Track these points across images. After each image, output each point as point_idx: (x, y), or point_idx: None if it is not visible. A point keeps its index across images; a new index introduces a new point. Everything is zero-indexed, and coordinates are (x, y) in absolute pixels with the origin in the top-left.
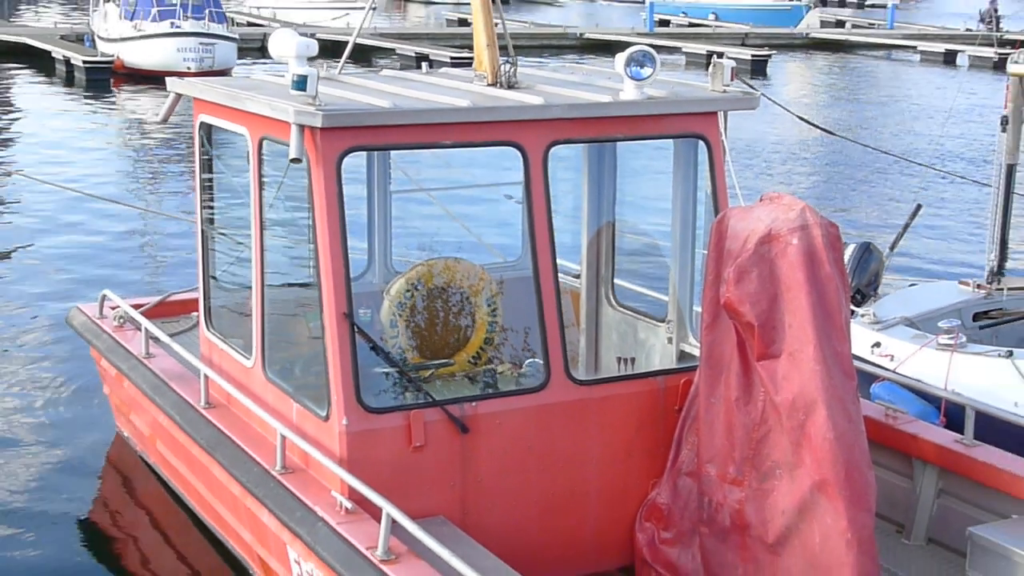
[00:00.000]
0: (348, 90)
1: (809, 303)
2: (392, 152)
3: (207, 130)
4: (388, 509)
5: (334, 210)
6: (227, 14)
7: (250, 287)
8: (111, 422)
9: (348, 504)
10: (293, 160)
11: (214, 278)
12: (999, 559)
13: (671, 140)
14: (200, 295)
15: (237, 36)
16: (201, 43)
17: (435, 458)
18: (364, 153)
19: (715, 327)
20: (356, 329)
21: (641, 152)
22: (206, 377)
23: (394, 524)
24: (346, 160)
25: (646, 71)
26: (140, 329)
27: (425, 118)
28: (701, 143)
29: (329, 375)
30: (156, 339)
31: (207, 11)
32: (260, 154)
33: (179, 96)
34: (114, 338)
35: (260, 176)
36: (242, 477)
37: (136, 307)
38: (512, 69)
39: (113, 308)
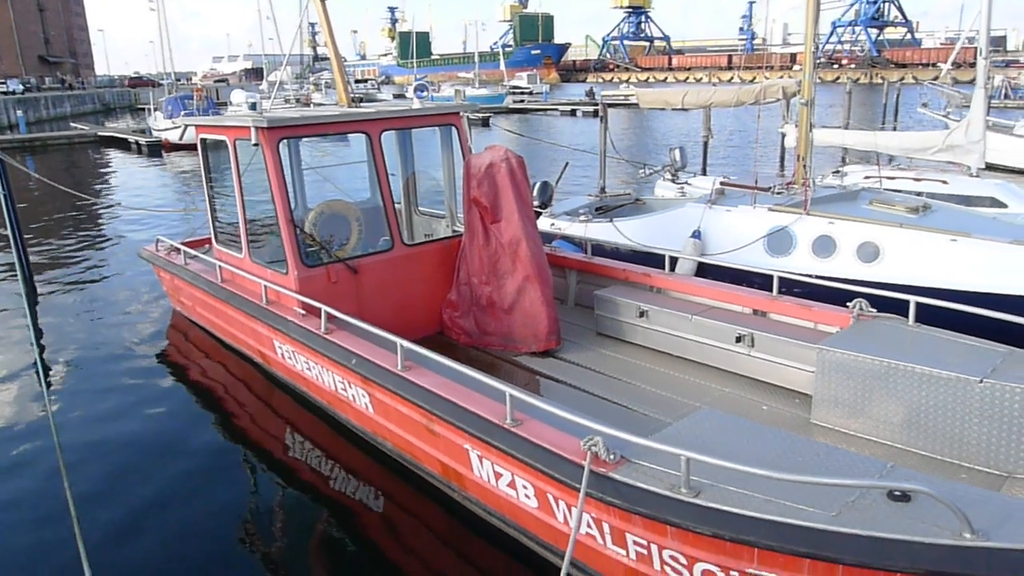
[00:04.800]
0: (279, 113)
1: (513, 195)
2: (303, 141)
3: (204, 141)
4: (324, 308)
5: (279, 171)
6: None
7: (237, 222)
8: (169, 304)
9: (302, 312)
10: (255, 145)
11: (217, 220)
12: (606, 302)
13: (438, 127)
14: (211, 230)
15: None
16: None
17: (343, 287)
18: (289, 140)
19: (470, 212)
20: (297, 229)
21: (424, 135)
22: (220, 267)
23: (329, 318)
24: (280, 145)
25: (422, 93)
26: (180, 252)
27: (317, 120)
28: (454, 128)
29: (286, 251)
30: (192, 256)
31: (210, 111)
32: (235, 148)
33: (187, 127)
34: (167, 259)
35: (237, 159)
36: (247, 309)
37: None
38: (358, 101)
39: (163, 246)
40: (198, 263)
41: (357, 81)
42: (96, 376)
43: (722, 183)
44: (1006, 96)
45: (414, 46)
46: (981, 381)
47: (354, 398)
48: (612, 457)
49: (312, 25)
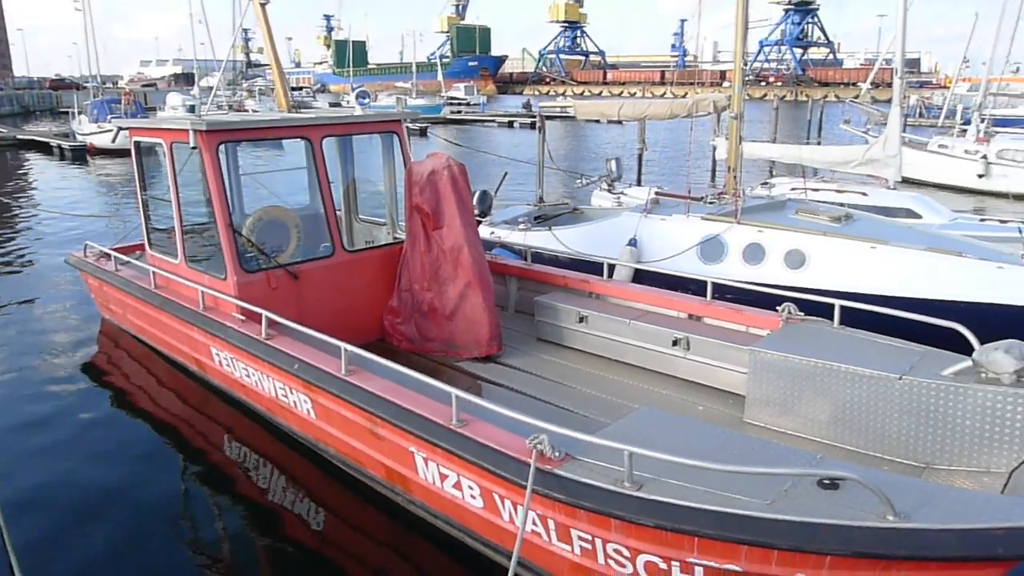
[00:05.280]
0: (219, 117)
1: (455, 202)
2: (240, 147)
3: (138, 145)
4: (265, 313)
5: (218, 175)
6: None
7: (172, 227)
8: (97, 312)
9: (241, 317)
10: (193, 148)
11: (151, 225)
12: (547, 308)
13: (379, 135)
14: (144, 235)
15: None
16: None
17: (283, 293)
18: (228, 144)
19: (411, 219)
20: (236, 233)
21: (361, 143)
22: (154, 273)
23: (270, 323)
24: (220, 149)
25: (364, 101)
26: (111, 257)
27: (258, 124)
28: (395, 135)
29: (225, 256)
30: (123, 261)
31: (138, 116)
32: (172, 152)
33: (120, 129)
34: (96, 265)
35: (173, 163)
36: (182, 315)
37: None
38: (296, 107)
39: (92, 252)
40: (130, 269)
41: (292, 88)
42: (20, 387)
43: (657, 193)
44: (920, 115)
45: (351, 55)
46: (900, 378)
47: (296, 404)
48: (557, 455)
49: (245, 31)
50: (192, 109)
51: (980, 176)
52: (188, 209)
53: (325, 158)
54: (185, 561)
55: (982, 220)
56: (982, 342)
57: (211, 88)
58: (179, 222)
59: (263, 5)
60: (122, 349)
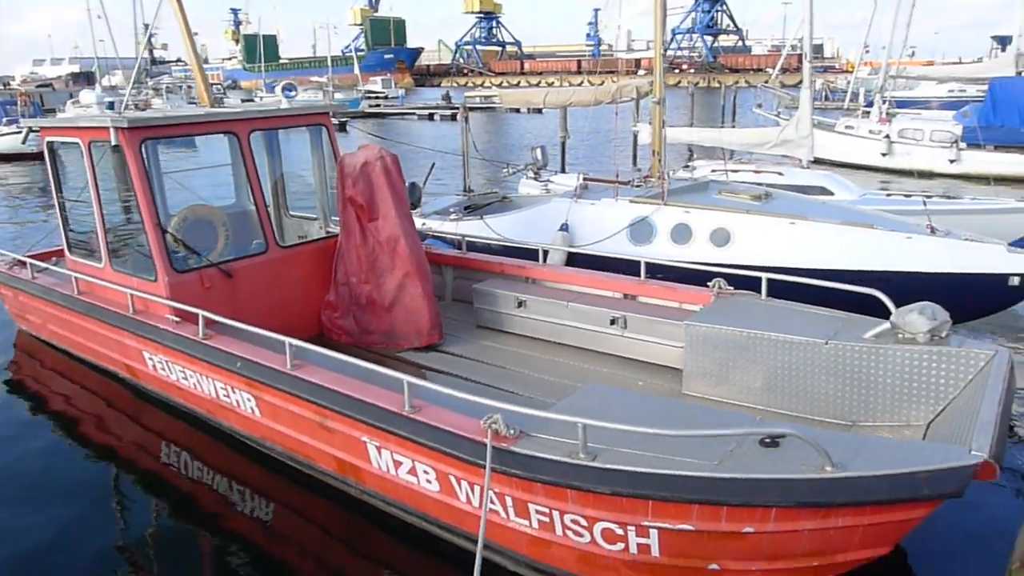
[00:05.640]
0: (140, 113)
1: (389, 192)
2: (160, 144)
3: (51, 145)
4: (201, 313)
5: (142, 173)
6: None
7: (94, 229)
8: (10, 323)
9: (176, 319)
10: (115, 147)
11: (69, 228)
12: (485, 295)
13: (307, 127)
14: (63, 239)
15: None
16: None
17: (217, 292)
18: (150, 142)
19: (345, 211)
20: (164, 232)
21: (290, 136)
22: (76, 279)
23: (207, 323)
24: (143, 146)
25: (293, 94)
26: (27, 265)
27: (181, 120)
28: (323, 128)
29: (154, 257)
30: (40, 269)
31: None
32: (90, 151)
33: (31, 129)
34: (10, 274)
35: (92, 163)
36: (110, 320)
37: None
38: (220, 100)
39: (3, 260)
40: (48, 276)
41: None
42: None
43: (585, 179)
44: (826, 98)
45: (261, 49)
46: (826, 343)
47: (238, 403)
48: (512, 432)
49: (147, 26)
50: (111, 106)
51: (884, 155)
52: (108, 209)
53: (253, 153)
54: (128, 570)
55: (888, 195)
56: (897, 307)
57: (115, 87)
58: (101, 224)
59: None
60: (42, 362)
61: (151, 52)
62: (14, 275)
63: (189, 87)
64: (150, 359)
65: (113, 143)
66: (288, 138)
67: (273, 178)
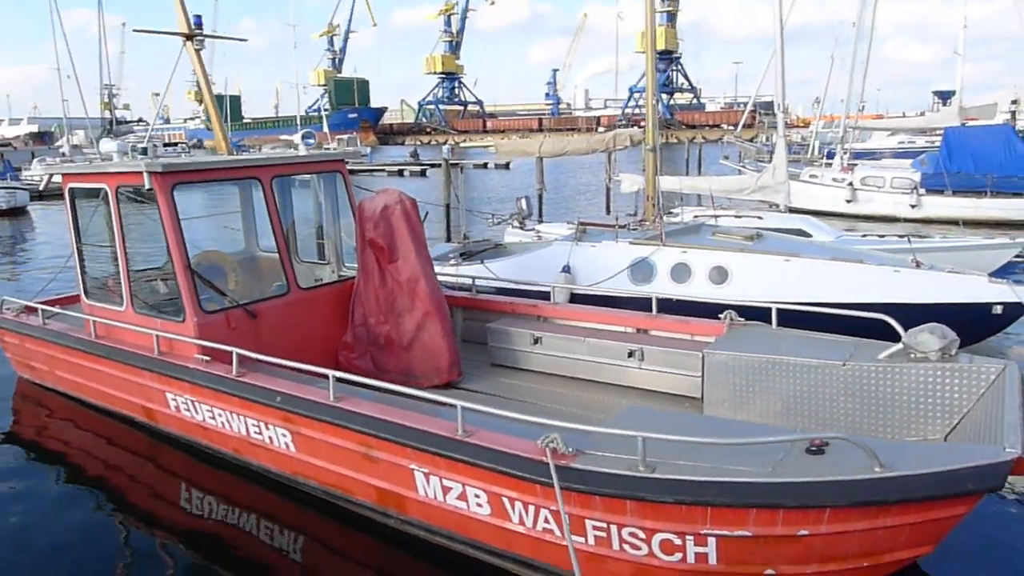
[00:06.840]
0: (170, 159)
1: (408, 234)
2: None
3: (72, 191)
4: (235, 351)
5: (174, 217)
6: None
7: (115, 273)
8: (10, 372)
9: (205, 358)
10: (148, 191)
11: (85, 273)
12: (499, 333)
13: (324, 174)
14: (79, 282)
15: (27, 188)
16: (7, 191)
17: (242, 332)
18: (181, 186)
19: (364, 254)
20: (194, 274)
21: (300, 186)
22: (94, 322)
23: (240, 360)
24: (174, 190)
25: (310, 141)
26: (38, 311)
27: (210, 165)
28: (339, 174)
29: (184, 298)
30: (50, 314)
31: (8, 175)
32: (117, 197)
33: (52, 176)
34: (18, 321)
35: (120, 209)
36: (134, 362)
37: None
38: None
39: (8, 309)
40: (59, 322)
41: (166, 145)
42: None
43: (581, 223)
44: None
45: (228, 109)
46: (844, 364)
47: (271, 439)
48: (570, 451)
49: (109, 87)
50: (145, 152)
51: (848, 201)
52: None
53: (276, 198)
54: None
55: (863, 236)
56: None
57: (77, 146)
58: (125, 268)
59: (198, 51)
60: (48, 410)
61: (111, 111)
62: (22, 321)
63: (155, 146)
64: (173, 400)
65: (147, 187)
66: (305, 186)
67: (286, 224)
